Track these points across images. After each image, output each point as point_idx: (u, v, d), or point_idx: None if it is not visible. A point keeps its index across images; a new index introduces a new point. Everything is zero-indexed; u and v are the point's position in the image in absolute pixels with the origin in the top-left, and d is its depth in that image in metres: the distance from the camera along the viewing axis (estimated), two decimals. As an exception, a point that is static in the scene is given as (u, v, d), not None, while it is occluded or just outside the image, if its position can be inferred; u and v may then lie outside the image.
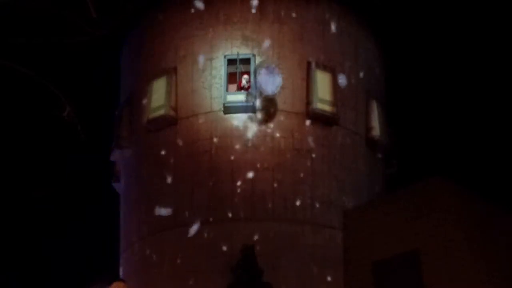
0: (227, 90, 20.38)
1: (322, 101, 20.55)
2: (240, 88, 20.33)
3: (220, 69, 20.61)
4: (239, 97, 20.23)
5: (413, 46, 27.31)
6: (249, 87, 20.23)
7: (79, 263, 28.90)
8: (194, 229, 19.45)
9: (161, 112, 20.72)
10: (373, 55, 22.95)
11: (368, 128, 21.71)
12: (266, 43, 20.65)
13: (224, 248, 19.18)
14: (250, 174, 19.77)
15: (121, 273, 21.33)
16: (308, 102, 20.49)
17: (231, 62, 20.54)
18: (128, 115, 21.99)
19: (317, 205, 20.01)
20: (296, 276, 19.22)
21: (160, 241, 20.05)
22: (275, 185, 19.78)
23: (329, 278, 19.57)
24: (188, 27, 21.31)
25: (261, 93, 19.99)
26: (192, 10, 21.33)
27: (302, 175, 20.06)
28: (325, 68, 20.95)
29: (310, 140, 20.42)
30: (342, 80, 20.64)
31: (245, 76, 20.25)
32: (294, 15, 21.16)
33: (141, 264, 20.41)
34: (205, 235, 19.44)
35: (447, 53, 28.95)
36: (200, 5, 21.07)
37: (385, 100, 23.12)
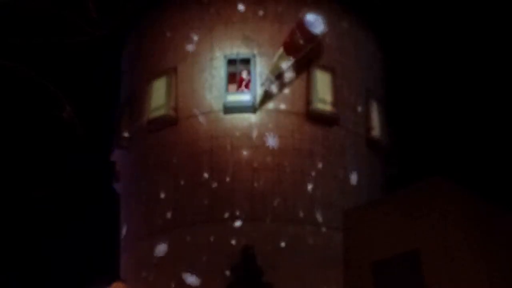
0: (227, 90, 20.39)
1: (322, 101, 20.55)
2: (240, 83, 20.37)
3: (220, 69, 20.61)
4: (239, 97, 20.26)
5: (413, 46, 27.33)
6: (249, 82, 20.27)
7: (79, 263, 28.91)
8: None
9: (161, 112, 20.73)
10: (373, 55, 22.96)
11: (368, 128, 21.71)
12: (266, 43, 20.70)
13: (224, 248, 19.18)
14: (250, 174, 19.77)
15: (121, 273, 21.32)
16: (308, 102, 20.49)
17: (231, 62, 20.55)
18: (128, 115, 21.99)
19: (317, 205, 20.00)
20: (296, 276, 19.22)
21: (160, 241, 20.03)
22: (275, 185, 19.78)
23: (329, 278, 19.57)
24: (188, 27, 21.32)
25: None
26: (192, 10, 21.36)
27: (302, 175, 20.06)
28: (325, 68, 20.94)
29: (310, 140, 20.42)
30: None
31: (245, 71, 20.33)
32: (294, 15, 21.15)
33: (141, 264, 20.41)
34: (205, 235, 19.44)
35: (447, 53, 28.97)
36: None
37: (385, 100, 23.12)
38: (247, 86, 20.39)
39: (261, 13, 21.04)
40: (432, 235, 18.18)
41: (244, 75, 20.36)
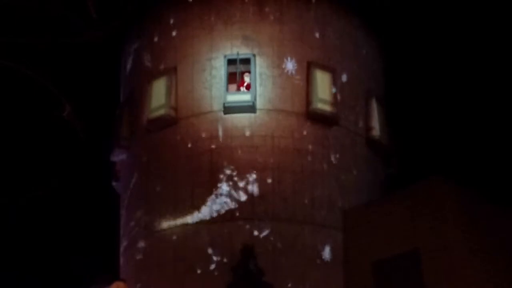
0: (227, 90, 20.40)
1: (322, 101, 20.56)
2: (241, 85, 20.39)
3: (220, 69, 20.61)
4: (239, 97, 20.27)
5: (413, 46, 27.32)
6: (249, 85, 20.31)
7: (79, 263, 28.89)
8: None
9: (161, 112, 20.73)
10: (373, 55, 22.96)
11: (368, 128, 21.72)
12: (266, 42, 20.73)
13: (224, 248, 19.18)
14: (250, 174, 19.77)
15: (121, 273, 21.32)
16: (308, 102, 20.50)
17: (231, 62, 20.55)
18: (128, 115, 22.00)
19: (317, 205, 20.00)
20: (296, 276, 19.22)
21: (160, 241, 20.04)
22: (275, 185, 19.79)
23: (329, 278, 19.57)
24: (188, 27, 21.32)
25: None
26: (192, 10, 21.37)
27: (302, 175, 20.06)
28: (325, 68, 20.95)
29: (310, 140, 20.42)
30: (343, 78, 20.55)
31: (247, 74, 20.36)
32: (294, 15, 21.18)
33: (141, 264, 20.41)
34: (205, 234, 19.45)
35: (447, 53, 28.96)
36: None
37: (385, 100, 23.12)
38: (247, 88, 20.40)
39: (261, 13, 21.04)
40: (432, 235, 18.18)
41: (247, 79, 20.38)
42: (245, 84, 20.46)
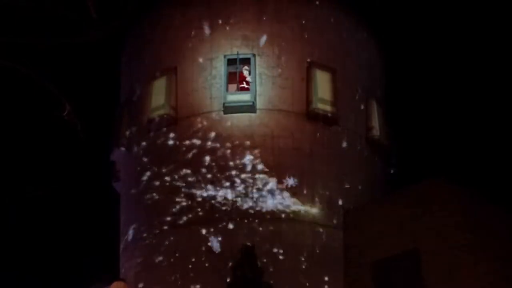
0: (227, 90, 20.41)
1: (322, 101, 20.57)
2: (241, 80, 20.37)
3: (220, 69, 20.62)
4: (239, 97, 20.27)
5: (412, 46, 27.34)
6: (248, 81, 20.33)
7: (79, 263, 28.91)
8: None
9: (161, 112, 20.75)
10: (373, 55, 22.97)
11: (368, 128, 21.72)
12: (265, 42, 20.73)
13: (224, 248, 19.18)
14: (250, 174, 19.77)
15: (121, 273, 21.33)
16: (308, 102, 20.50)
17: (231, 62, 20.57)
18: (128, 115, 22.00)
19: (317, 205, 20.01)
20: (296, 276, 19.23)
21: (160, 241, 20.04)
22: (275, 185, 19.79)
23: (329, 278, 19.57)
24: (188, 27, 21.32)
25: None
26: (192, 10, 21.37)
27: (302, 175, 20.07)
28: (325, 68, 20.95)
29: (310, 140, 20.43)
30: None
31: (246, 67, 20.35)
32: (294, 14, 21.18)
33: (141, 264, 20.41)
34: (205, 235, 19.45)
35: (447, 53, 28.98)
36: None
37: (385, 100, 23.13)
38: (247, 82, 20.41)
39: (261, 13, 21.04)
40: (432, 235, 18.18)
41: (245, 72, 20.40)
42: (246, 79, 20.43)
